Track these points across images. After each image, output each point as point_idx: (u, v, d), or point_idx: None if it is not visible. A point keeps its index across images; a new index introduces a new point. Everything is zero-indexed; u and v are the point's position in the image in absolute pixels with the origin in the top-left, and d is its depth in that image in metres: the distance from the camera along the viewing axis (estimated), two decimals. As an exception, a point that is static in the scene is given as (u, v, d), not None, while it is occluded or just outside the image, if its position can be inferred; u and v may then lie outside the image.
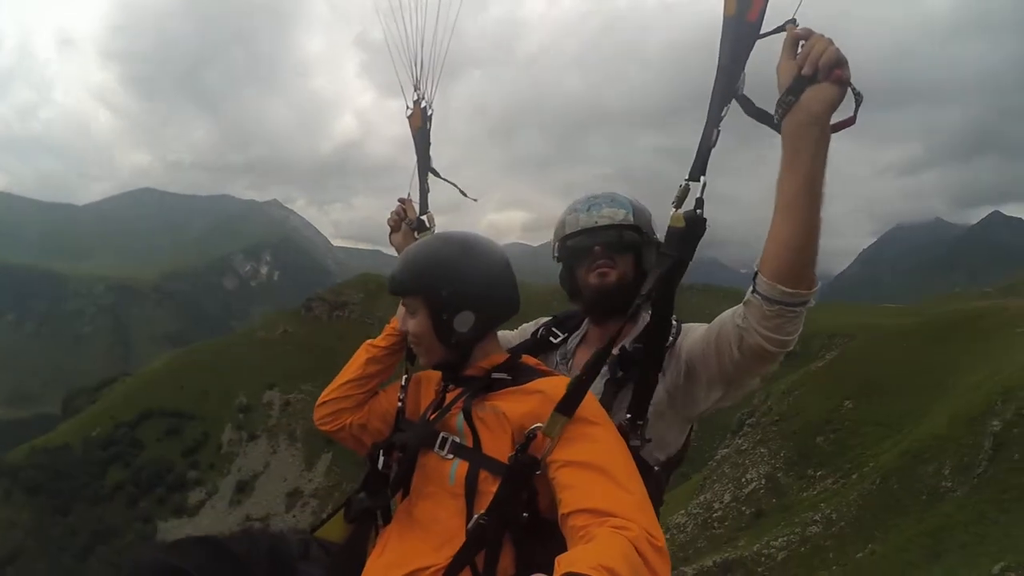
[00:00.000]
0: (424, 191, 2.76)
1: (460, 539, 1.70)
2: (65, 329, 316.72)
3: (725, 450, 37.19)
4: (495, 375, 1.95)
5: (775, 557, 21.27)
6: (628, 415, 1.95)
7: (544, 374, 1.96)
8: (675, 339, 2.08)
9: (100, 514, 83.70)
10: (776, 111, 1.66)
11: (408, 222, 2.74)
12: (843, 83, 1.59)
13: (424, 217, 2.73)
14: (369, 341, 2.35)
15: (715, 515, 30.08)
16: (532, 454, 1.67)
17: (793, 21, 1.67)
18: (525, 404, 1.79)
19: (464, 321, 1.95)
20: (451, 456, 1.85)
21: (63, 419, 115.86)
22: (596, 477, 1.56)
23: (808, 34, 1.63)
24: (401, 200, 2.79)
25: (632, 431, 1.92)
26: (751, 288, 1.77)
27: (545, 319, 2.57)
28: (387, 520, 2.02)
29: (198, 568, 1.58)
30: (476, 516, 1.69)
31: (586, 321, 2.44)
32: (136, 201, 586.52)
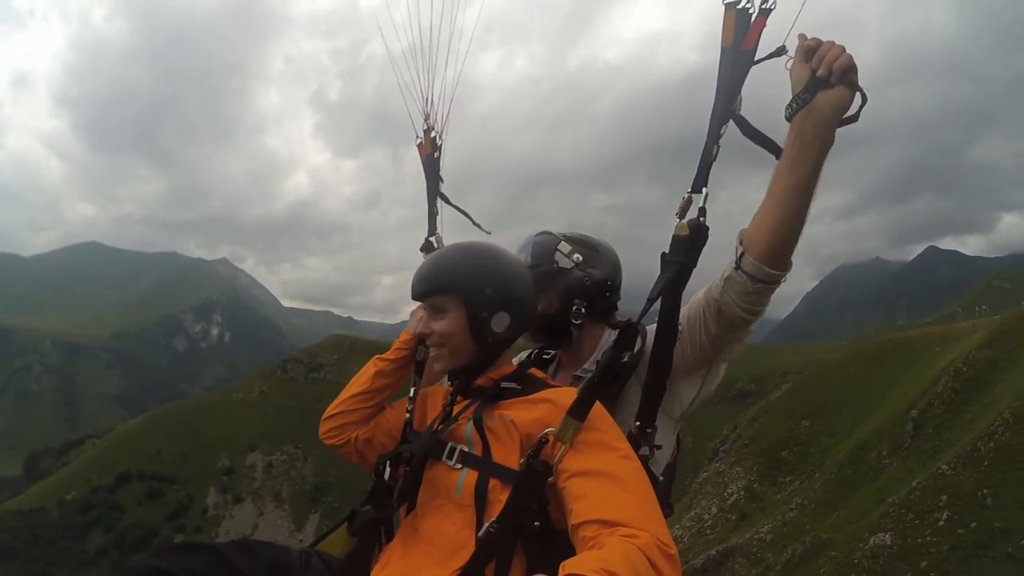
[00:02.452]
0: (432, 214, 2.85)
1: (466, 551, 1.67)
2: (10, 386, 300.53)
3: (705, 473, 43.34)
4: (504, 384, 1.94)
5: (764, 539, 27.03)
6: (637, 423, 1.97)
7: (552, 386, 1.94)
8: (643, 342, 2.13)
9: (85, 579, 78.92)
10: (790, 107, 1.76)
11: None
12: (854, 87, 1.71)
13: (432, 239, 2.79)
14: (378, 355, 2.32)
15: (706, 524, 35.67)
16: (544, 459, 1.66)
17: (784, 48, 1.84)
18: (534, 412, 1.78)
19: (501, 322, 1.95)
20: (459, 466, 1.82)
21: (27, 481, 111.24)
22: (606, 487, 1.55)
23: (819, 43, 1.75)
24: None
25: (642, 439, 1.95)
26: (734, 266, 1.87)
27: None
28: (390, 535, 1.99)
29: (191, 574, 1.62)
30: (487, 524, 1.66)
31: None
32: (83, 255, 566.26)
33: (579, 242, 2.45)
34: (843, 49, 1.72)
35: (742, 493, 36.50)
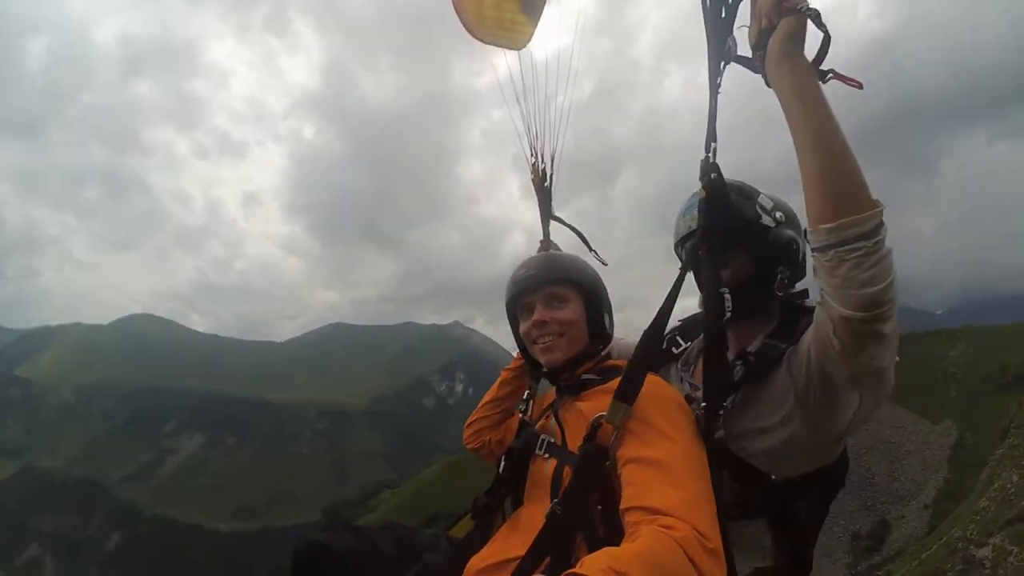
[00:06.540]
0: (546, 235, 3.11)
1: None
2: (284, 451, 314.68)
3: (1000, 451, 45.04)
4: (585, 376, 2.06)
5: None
6: (703, 404, 1.80)
7: None
8: (800, 335, 1.86)
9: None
10: (760, 72, 1.68)
11: None
12: (793, 12, 1.54)
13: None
14: (504, 367, 2.60)
15: (1010, 492, 38.38)
16: (600, 443, 1.71)
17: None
18: (602, 401, 1.81)
19: (610, 322, 2.16)
20: (547, 455, 1.97)
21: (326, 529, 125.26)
22: (655, 474, 1.56)
23: None
24: (542, 242, 3.10)
25: (712, 422, 1.78)
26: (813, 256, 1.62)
27: (674, 323, 2.44)
28: (504, 520, 2.15)
29: (344, 548, 1.94)
30: (552, 505, 1.73)
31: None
32: (329, 335, 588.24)
33: (777, 200, 2.12)
34: None
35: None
